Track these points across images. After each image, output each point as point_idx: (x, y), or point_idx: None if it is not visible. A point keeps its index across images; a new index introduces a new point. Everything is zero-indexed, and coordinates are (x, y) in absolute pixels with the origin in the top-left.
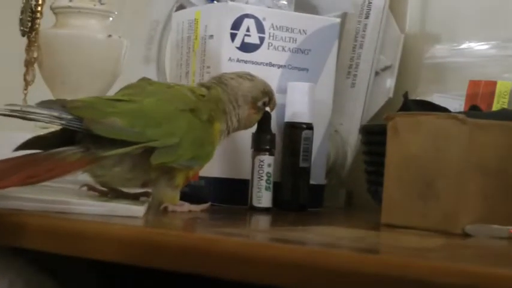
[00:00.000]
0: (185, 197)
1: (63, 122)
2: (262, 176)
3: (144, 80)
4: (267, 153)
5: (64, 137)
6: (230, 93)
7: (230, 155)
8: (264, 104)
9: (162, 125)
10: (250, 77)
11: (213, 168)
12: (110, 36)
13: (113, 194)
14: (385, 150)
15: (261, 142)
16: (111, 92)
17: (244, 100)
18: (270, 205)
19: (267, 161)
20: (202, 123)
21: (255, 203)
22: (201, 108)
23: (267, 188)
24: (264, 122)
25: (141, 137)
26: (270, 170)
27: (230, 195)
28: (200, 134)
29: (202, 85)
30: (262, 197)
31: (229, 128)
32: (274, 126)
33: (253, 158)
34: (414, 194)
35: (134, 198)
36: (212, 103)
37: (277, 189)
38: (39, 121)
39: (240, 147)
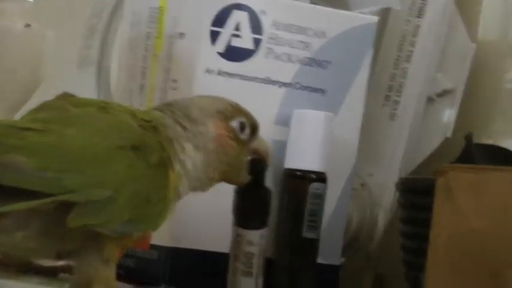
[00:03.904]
0: (128, 274)
1: None
2: (238, 256)
3: (66, 98)
4: (255, 225)
5: None
6: (176, 111)
7: (200, 214)
8: (243, 128)
9: (88, 169)
10: (210, 95)
11: (171, 233)
12: (28, 25)
13: (20, 266)
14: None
15: (244, 210)
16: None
17: (203, 114)
18: None
19: (248, 237)
20: (150, 167)
21: None
22: (149, 144)
23: (245, 274)
24: (255, 175)
25: (55, 185)
26: (254, 249)
27: (198, 276)
28: (146, 185)
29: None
30: (241, 286)
31: (185, 168)
32: (268, 173)
33: (232, 226)
34: None
35: (50, 274)
36: (159, 134)
37: (268, 269)
38: None
39: (218, 201)
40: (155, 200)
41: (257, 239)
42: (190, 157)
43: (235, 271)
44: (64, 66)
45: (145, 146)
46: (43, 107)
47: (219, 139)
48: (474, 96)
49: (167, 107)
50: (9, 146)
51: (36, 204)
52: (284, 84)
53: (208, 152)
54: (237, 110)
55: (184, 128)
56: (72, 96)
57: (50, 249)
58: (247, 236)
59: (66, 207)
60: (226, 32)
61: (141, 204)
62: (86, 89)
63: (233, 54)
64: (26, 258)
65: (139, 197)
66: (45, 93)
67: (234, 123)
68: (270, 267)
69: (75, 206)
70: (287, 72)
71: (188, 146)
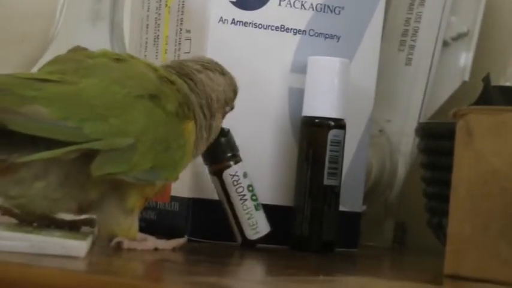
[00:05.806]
0: (150, 227)
1: None
2: (244, 195)
3: (80, 51)
4: (232, 161)
5: None
6: (201, 94)
7: None
8: (231, 109)
9: (108, 117)
10: (220, 69)
11: (191, 186)
12: None
13: (41, 221)
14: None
15: (219, 151)
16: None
17: (218, 105)
18: (268, 229)
19: (241, 171)
20: (168, 116)
21: (251, 235)
22: (167, 94)
23: (257, 207)
24: None
25: (77, 134)
26: (251, 179)
27: (218, 226)
28: (165, 132)
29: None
30: (258, 223)
31: (197, 150)
32: (286, 122)
33: (219, 177)
34: (495, 230)
35: (72, 228)
36: (183, 97)
37: (289, 218)
38: None
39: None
40: (174, 147)
41: (247, 169)
42: (203, 144)
43: (249, 211)
44: (77, 21)
45: (162, 95)
46: (57, 60)
47: (217, 127)
48: (490, 38)
49: (191, 83)
50: (28, 97)
51: (61, 153)
52: (298, 31)
53: (212, 135)
54: (234, 93)
55: (205, 117)
56: (84, 49)
57: (71, 200)
58: (241, 169)
59: (86, 156)
60: None
61: (162, 151)
62: (99, 43)
63: (246, 2)
64: (46, 212)
65: (159, 144)
66: (58, 49)
67: (228, 108)
68: (291, 215)
69: (98, 155)
70: (301, 19)
71: (205, 135)
